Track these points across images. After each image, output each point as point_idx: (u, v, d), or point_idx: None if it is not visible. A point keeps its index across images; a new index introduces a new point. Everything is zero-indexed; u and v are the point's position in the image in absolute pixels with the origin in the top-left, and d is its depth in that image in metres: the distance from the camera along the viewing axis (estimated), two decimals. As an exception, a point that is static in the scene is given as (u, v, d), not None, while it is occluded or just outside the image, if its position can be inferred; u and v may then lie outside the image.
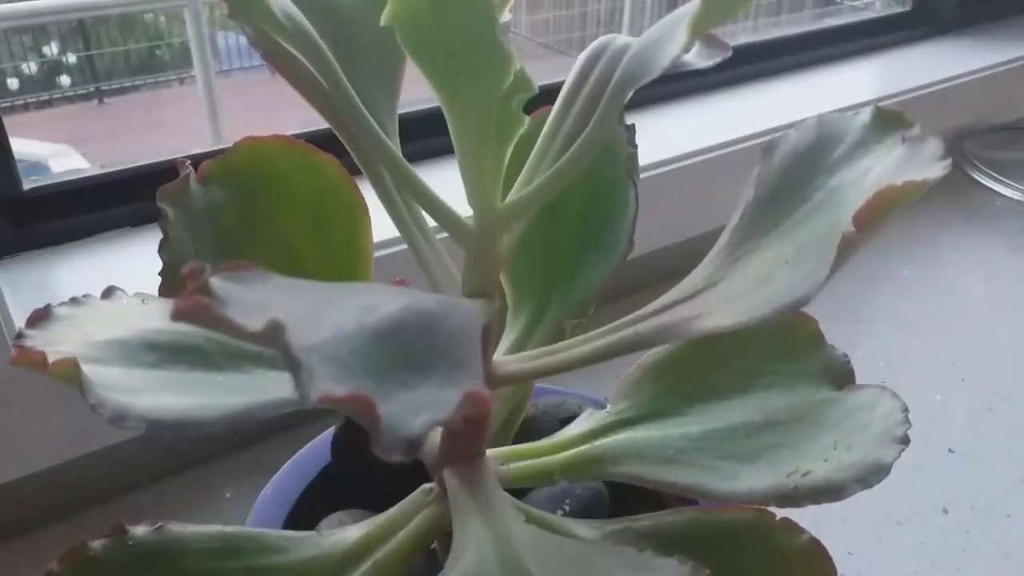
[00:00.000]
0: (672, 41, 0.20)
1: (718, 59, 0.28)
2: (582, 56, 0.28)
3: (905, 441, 0.29)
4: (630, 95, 0.22)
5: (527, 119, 0.24)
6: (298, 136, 0.62)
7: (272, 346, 0.14)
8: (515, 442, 0.35)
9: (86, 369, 0.22)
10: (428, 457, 0.30)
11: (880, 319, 0.71)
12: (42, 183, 0.56)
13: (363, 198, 0.33)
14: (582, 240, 0.32)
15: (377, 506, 0.33)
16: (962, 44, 0.96)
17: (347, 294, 0.18)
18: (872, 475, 0.28)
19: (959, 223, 0.83)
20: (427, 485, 0.31)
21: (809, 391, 0.33)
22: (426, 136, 0.53)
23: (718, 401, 0.33)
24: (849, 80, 0.87)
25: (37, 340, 0.24)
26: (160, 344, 0.25)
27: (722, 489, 0.29)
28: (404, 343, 0.16)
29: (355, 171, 0.31)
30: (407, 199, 0.27)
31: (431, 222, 0.28)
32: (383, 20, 0.21)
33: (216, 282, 0.16)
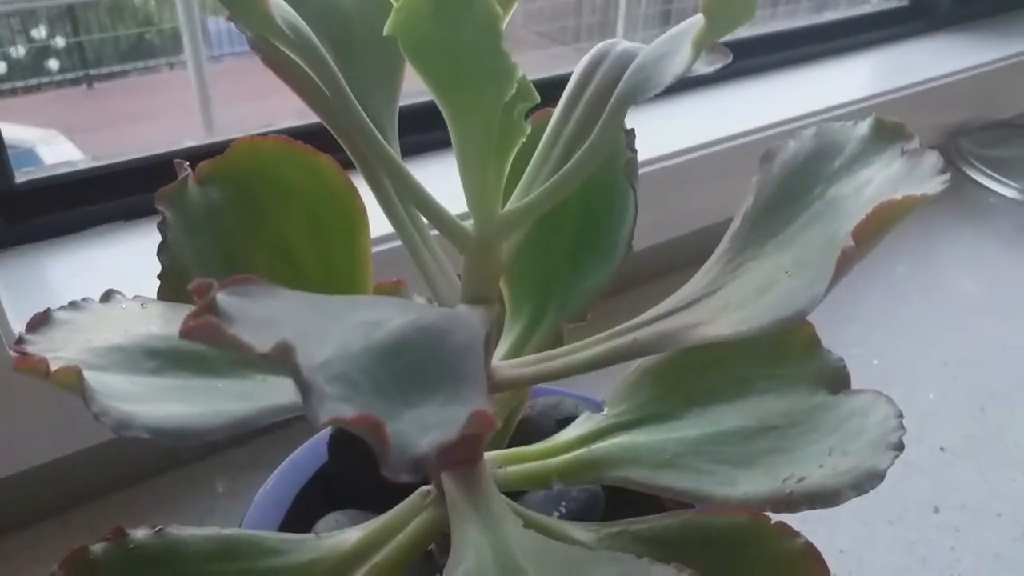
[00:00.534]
0: (676, 57, 0.20)
1: (719, 65, 0.28)
2: (583, 62, 0.29)
3: (900, 448, 0.29)
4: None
5: (528, 127, 0.24)
6: (291, 129, 0.62)
7: (282, 367, 0.14)
8: (512, 443, 0.36)
9: (88, 377, 0.22)
10: (426, 460, 0.30)
11: (874, 316, 0.72)
12: (35, 176, 0.56)
13: (361, 199, 0.33)
14: (581, 244, 0.32)
15: (374, 506, 0.33)
16: (959, 40, 0.96)
17: (353, 308, 0.18)
18: (867, 481, 0.28)
19: (954, 220, 0.84)
20: (424, 488, 0.31)
21: (805, 396, 0.33)
22: (425, 130, 0.53)
23: (715, 405, 0.33)
24: (846, 76, 0.87)
25: (38, 345, 0.24)
26: (161, 350, 0.25)
27: (719, 494, 0.30)
28: (410, 359, 0.16)
29: (348, 165, 0.31)
30: (407, 205, 0.27)
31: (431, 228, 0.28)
32: (386, 29, 0.21)
33: (223, 298, 0.16)
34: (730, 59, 0.29)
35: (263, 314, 0.16)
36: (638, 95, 0.21)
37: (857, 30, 0.93)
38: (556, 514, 0.35)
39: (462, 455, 0.28)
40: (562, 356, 0.28)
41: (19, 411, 0.47)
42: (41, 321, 0.25)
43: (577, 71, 0.28)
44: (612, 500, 0.36)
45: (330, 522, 0.35)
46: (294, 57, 0.24)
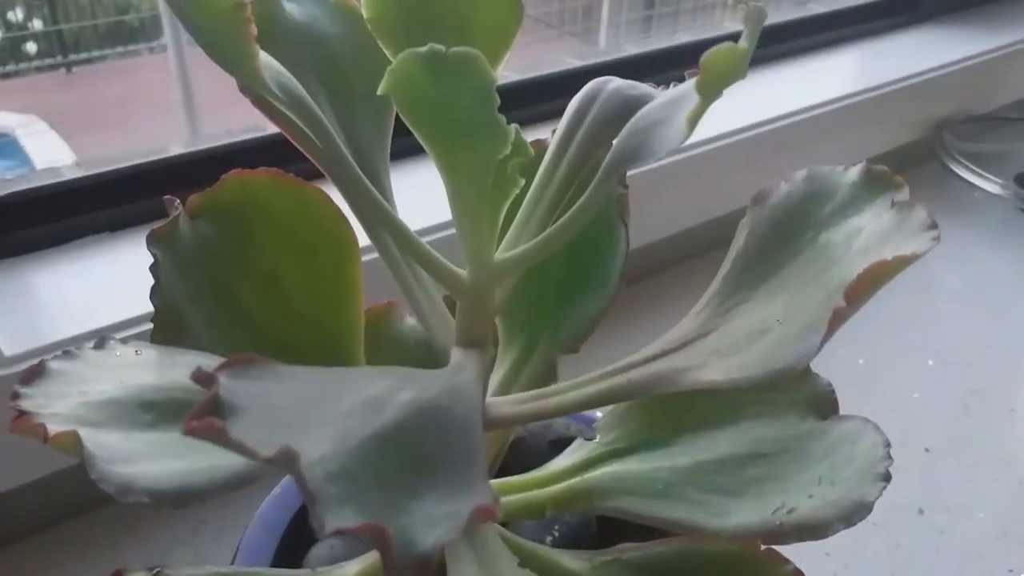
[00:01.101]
0: (670, 129, 0.20)
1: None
2: (575, 100, 0.29)
3: (887, 478, 0.30)
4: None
5: (522, 181, 0.24)
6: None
7: (286, 471, 0.14)
8: (503, 465, 0.36)
9: (85, 436, 0.22)
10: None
11: (859, 314, 0.72)
12: (19, 188, 0.55)
13: (351, 229, 0.33)
14: (573, 276, 0.32)
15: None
16: (944, 32, 0.96)
17: (353, 385, 0.18)
18: (855, 513, 0.29)
19: (938, 216, 0.84)
20: (420, 521, 0.31)
21: (795, 421, 0.33)
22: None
23: (706, 431, 0.34)
24: (830, 71, 0.87)
25: (33, 400, 0.24)
26: (156, 402, 0.25)
27: (711, 525, 0.30)
28: (410, 447, 0.17)
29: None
30: (403, 253, 0.27)
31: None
32: (380, 89, 0.21)
33: (225, 390, 0.16)
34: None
35: (265, 406, 0.16)
36: (630, 163, 0.21)
37: (842, 24, 0.93)
38: (549, 539, 0.36)
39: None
40: (555, 395, 0.28)
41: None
42: (36, 373, 0.25)
43: (569, 111, 0.28)
44: (604, 522, 0.36)
45: (324, 549, 0.35)
46: (285, 111, 0.24)
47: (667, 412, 0.34)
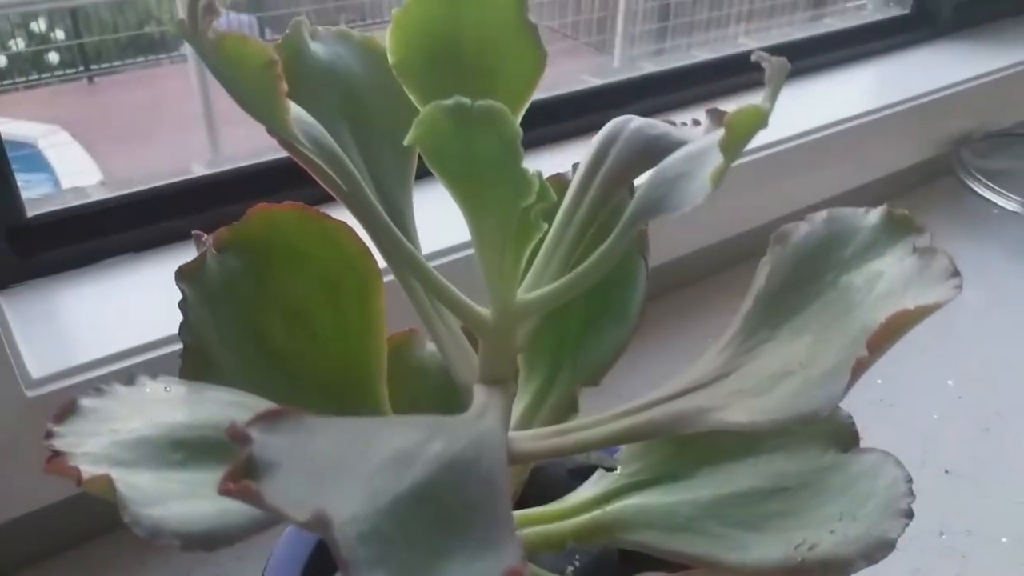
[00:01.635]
0: (692, 183, 0.20)
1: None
2: (596, 140, 0.29)
3: (910, 515, 0.30)
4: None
5: (545, 226, 0.24)
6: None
7: (320, 534, 0.15)
8: (523, 493, 0.36)
9: (117, 478, 0.22)
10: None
11: (877, 333, 0.72)
12: (46, 210, 0.56)
13: (375, 263, 0.34)
14: (593, 312, 0.32)
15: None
16: (960, 48, 0.96)
17: (381, 437, 0.19)
18: (877, 551, 0.29)
19: (956, 233, 0.84)
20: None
21: (815, 454, 0.33)
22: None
23: (727, 464, 0.34)
24: (846, 89, 0.87)
25: (65, 439, 0.24)
26: (186, 441, 0.25)
27: (732, 560, 0.30)
28: (439, 504, 0.17)
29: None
30: (430, 296, 0.28)
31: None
32: (407, 140, 0.22)
33: (258, 448, 0.17)
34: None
35: (297, 461, 0.17)
36: (653, 215, 0.21)
37: (858, 40, 0.93)
38: (570, 568, 0.36)
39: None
40: (577, 431, 0.29)
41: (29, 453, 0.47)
42: (68, 411, 0.26)
43: (590, 150, 0.29)
44: (624, 552, 0.37)
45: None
46: (312, 157, 0.24)
47: (688, 444, 0.34)
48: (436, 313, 0.28)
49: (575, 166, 0.34)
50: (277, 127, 0.22)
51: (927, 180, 0.89)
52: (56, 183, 1.92)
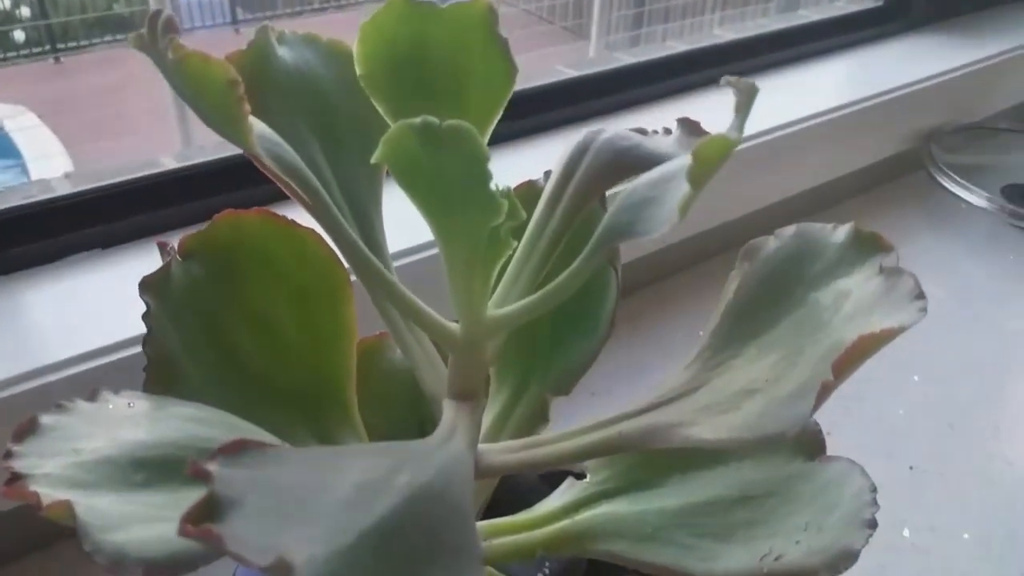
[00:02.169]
0: (662, 209, 0.20)
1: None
2: (567, 152, 0.29)
3: (873, 525, 0.30)
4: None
5: (516, 244, 0.24)
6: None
7: (280, 579, 0.14)
8: (493, 499, 0.36)
9: (78, 502, 0.22)
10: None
11: (846, 328, 0.73)
12: (8, 205, 0.55)
13: (344, 270, 0.33)
14: (564, 322, 0.32)
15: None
16: (933, 41, 0.97)
17: (347, 467, 0.18)
18: (841, 562, 0.29)
19: (924, 228, 0.85)
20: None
21: (782, 462, 0.34)
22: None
23: (695, 471, 0.34)
24: (819, 82, 0.87)
25: (26, 459, 0.24)
26: (148, 460, 0.25)
27: (699, 570, 0.30)
28: (405, 539, 0.17)
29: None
30: (399, 309, 0.27)
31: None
32: (374, 158, 0.21)
33: (219, 477, 0.16)
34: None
35: (260, 497, 0.16)
36: (621, 238, 0.21)
37: (831, 32, 0.93)
38: (540, 575, 0.36)
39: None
40: (547, 444, 0.29)
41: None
42: (27, 430, 0.25)
43: (561, 161, 0.29)
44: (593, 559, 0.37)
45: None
46: (279, 174, 0.24)
47: (656, 452, 0.34)
48: (405, 327, 0.28)
49: (546, 174, 0.34)
50: (240, 146, 0.22)
51: (897, 175, 0.90)
52: (24, 169, 1.89)
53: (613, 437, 0.27)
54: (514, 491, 0.37)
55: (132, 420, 0.26)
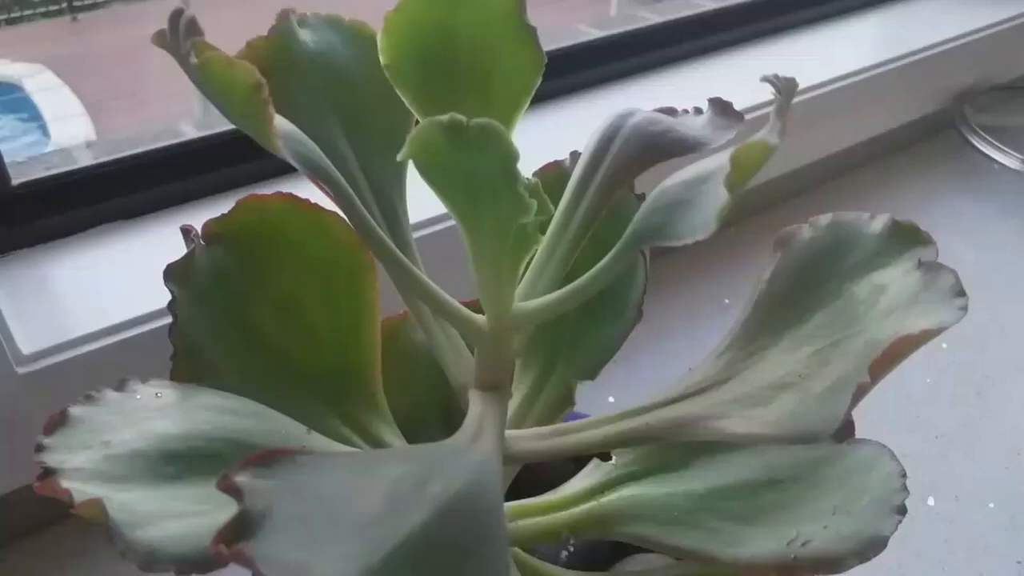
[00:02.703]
0: (699, 214, 0.20)
1: (731, 134, 0.28)
2: (594, 136, 0.28)
3: (903, 511, 0.30)
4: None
5: (542, 237, 0.23)
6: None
7: (314, 603, 0.14)
8: (518, 477, 0.36)
9: (109, 498, 0.22)
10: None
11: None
12: (32, 177, 0.55)
13: (368, 254, 0.33)
14: (591, 307, 0.32)
15: None
16: (965, -2, 0.94)
17: (377, 475, 0.18)
18: (870, 548, 0.29)
19: (955, 189, 0.83)
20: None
21: (809, 445, 0.33)
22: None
23: (721, 454, 0.34)
24: (851, 40, 0.85)
25: (56, 453, 0.24)
26: (179, 453, 0.25)
27: (725, 555, 0.30)
28: (436, 552, 0.17)
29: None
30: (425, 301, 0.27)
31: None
32: (400, 156, 0.21)
33: (249, 491, 0.16)
34: (743, 122, 0.29)
35: (290, 510, 0.16)
36: (652, 241, 0.21)
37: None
38: (564, 554, 0.36)
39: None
40: (574, 432, 0.29)
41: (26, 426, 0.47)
42: (58, 423, 0.25)
43: (589, 147, 0.28)
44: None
45: None
46: (308, 173, 0.23)
47: (683, 434, 0.34)
48: (433, 319, 0.28)
49: (573, 155, 0.33)
50: (266, 146, 0.21)
51: (928, 136, 0.88)
52: (44, 130, 1.89)
53: (641, 428, 0.27)
54: (538, 470, 0.37)
55: (161, 411, 0.27)
